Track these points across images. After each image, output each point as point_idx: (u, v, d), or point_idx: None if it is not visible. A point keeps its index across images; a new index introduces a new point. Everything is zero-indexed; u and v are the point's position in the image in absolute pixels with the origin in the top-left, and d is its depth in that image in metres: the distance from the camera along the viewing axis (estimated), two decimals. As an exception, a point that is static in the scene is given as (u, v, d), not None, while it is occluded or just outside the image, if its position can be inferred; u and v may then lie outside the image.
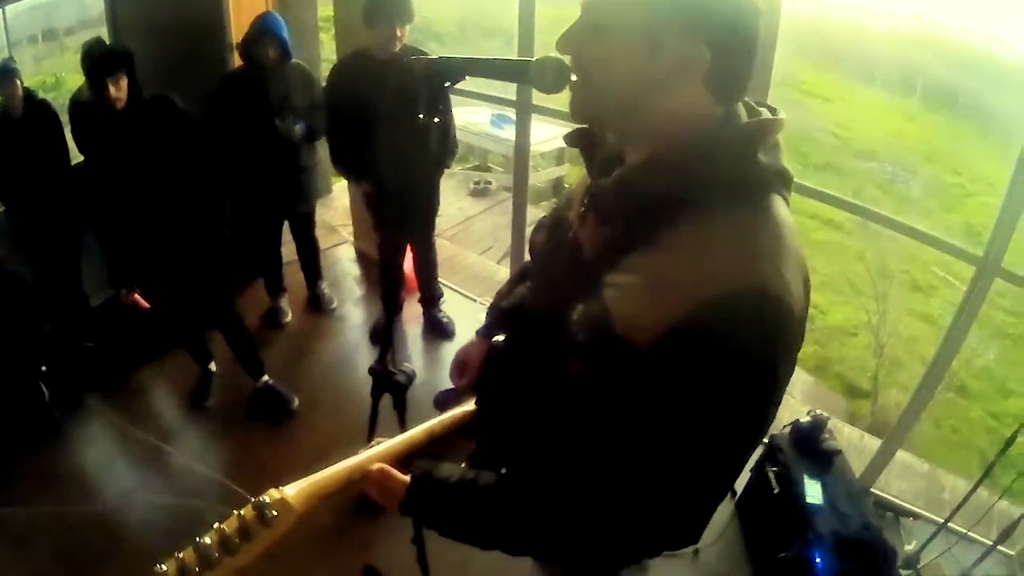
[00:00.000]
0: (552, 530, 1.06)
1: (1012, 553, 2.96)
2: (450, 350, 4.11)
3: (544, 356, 1.14)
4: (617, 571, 1.32)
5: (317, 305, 4.48)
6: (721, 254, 0.91)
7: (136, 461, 3.32)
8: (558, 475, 1.05)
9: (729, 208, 0.93)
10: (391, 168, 3.36)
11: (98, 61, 2.84)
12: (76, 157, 3.37)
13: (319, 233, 4.41)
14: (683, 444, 0.92)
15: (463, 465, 1.16)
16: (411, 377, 1.88)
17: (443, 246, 4.20)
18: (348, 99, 3.39)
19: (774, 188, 0.98)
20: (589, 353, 1.01)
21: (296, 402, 3.63)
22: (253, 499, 1.03)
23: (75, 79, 3.48)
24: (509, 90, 3.99)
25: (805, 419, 2.96)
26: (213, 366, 3.76)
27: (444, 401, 1.52)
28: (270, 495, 1.04)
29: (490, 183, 8.47)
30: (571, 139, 1.17)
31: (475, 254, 5.83)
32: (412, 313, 4.40)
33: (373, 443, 1.25)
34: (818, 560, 2.49)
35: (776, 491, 2.87)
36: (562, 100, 1.10)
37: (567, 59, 1.03)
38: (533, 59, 1.11)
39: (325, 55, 5.63)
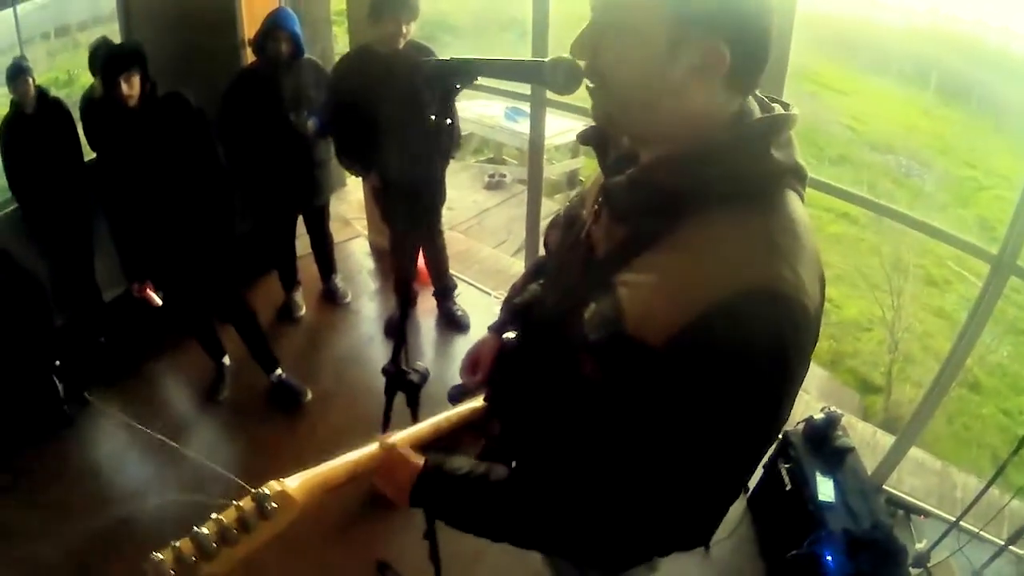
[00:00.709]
0: (562, 526, 1.06)
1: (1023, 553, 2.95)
2: (464, 343, 4.13)
3: (556, 354, 1.14)
4: (627, 569, 1.32)
5: (331, 298, 4.49)
6: (735, 253, 0.91)
7: (147, 456, 3.34)
8: (569, 472, 1.06)
9: (743, 205, 0.93)
10: (395, 161, 3.38)
11: (111, 58, 2.85)
12: (89, 154, 3.39)
13: (333, 227, 4.41)
14: (695, 444, 0.91)
15: (472, 459, 1.17)
16: (424, 376, 1.88)
17: (457, 239, 4.20)
18: (353, 93, 3.41)
19: (788, 184, 0.98)
20: (601, 352, 1.01)
21: (309, 395, 3.64)
22: (253, 490, 1.02)
23: (88, 75, 3.48)
24: (524, 84, 3.98)
25: (819, 416, 2.95)
26: (227, 360, 3.77)
27: (457, 396, 1.52)
28: (270, 487, 1.03)
29: (504, 176, 8.44)
30: (585, 137, 1.16)
31: (489, 247, 5.79)
32: (426, 306, 4.40)
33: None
34: (829, 558, 2.49)
35: (788, 488, 2.87)
36: (576, 94, 1.09)
37: (582, 63, 1.02)
38: (546, 60, 1.10)
39: (338, 49, 5.62)
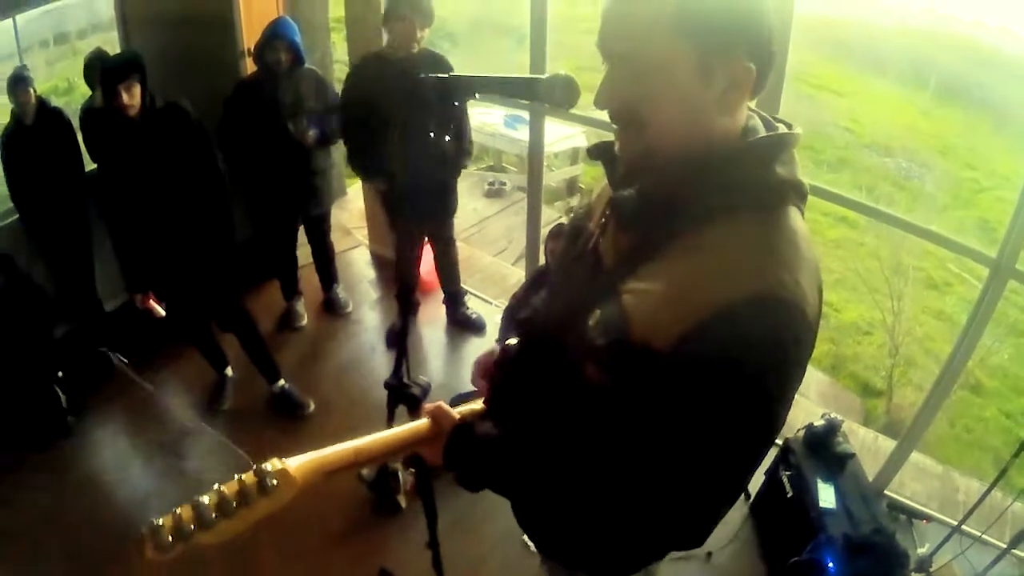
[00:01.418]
0: (562, 525, 1.10)
1: (1026, 556, 2.95)
2: (472, 349, 4.15)
3: (557, 360, 1.15)
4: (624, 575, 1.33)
5: (333, 308, 4.48)
6: (739, 261, 0.93)
7: (149, 465, 3.35)
8: (567, 476, 1.07)
9: (748, 217, 0.96)
10: (406, 169, 3.38)
11: (110, 68, 2.86)
12: (90, 164, 3.39)
13: (334, 236, 4.41)
14: (696, 445, 0.93)
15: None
16: (426, 390, 1.88)
17: (458, 248, 4.20)
18: (366, 99, 3.41)
19: (791, 200, 1.00)
20: (606, 357, 1.03)
21: (312, 406, 3.64)
22: (255, 465, 1.03)
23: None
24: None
25: (819, 423, 2.96)
26: (230, 371, 3.78)
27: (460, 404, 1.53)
28: (272, 464, 1.03)
29: (504, 184, 8.44)
30: (594, 152, 1.17)
31: (490, 256, 5.80)
32: (429, 316, 4.41)
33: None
34: (830, 564, 2.49)
35: (790, 495, 2.87)
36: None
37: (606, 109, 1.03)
38: (543, 77, 1.11)
39: (337, 56, 5.63)
